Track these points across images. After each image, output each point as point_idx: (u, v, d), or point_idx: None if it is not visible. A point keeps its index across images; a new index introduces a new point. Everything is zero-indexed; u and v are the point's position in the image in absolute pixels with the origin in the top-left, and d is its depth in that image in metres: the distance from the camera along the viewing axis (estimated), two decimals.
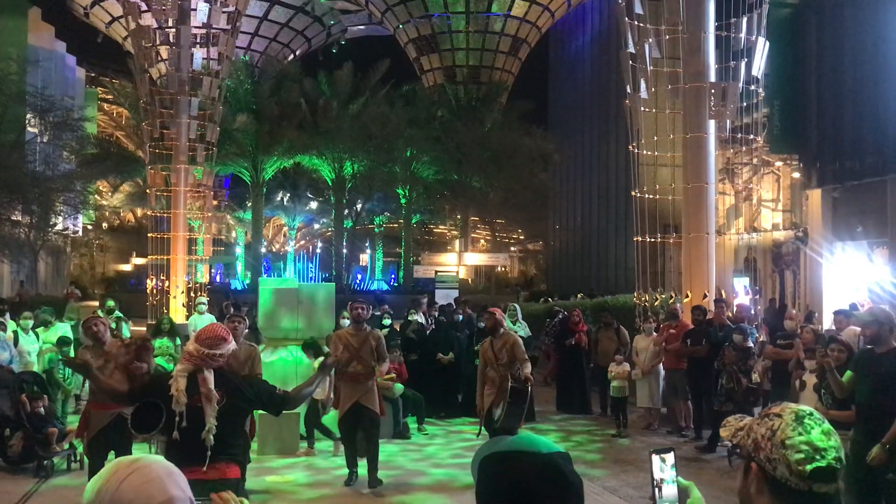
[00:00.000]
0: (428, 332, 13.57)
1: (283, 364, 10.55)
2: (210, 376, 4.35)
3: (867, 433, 5.89)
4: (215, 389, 4.32)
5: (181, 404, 4.25)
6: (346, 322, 12.56)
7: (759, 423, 1.78)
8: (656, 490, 1.92)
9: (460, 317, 14.35)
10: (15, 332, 11.42)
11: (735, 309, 12.03)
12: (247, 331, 8.79)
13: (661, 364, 11.77)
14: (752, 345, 10.10)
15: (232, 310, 14.25)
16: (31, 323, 11.81)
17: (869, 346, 6.24)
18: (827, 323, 13.82)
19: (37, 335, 11.85)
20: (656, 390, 11.89)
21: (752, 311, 14.19)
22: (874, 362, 6.01)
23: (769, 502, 1.72)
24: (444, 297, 23.90)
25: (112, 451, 7.10)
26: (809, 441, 1.68)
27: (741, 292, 17.70)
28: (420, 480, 8.83)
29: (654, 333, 11.99)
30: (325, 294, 11.54)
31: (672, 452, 1.97)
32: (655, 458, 1.93)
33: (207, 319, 13.95)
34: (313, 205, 45.77)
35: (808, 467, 1.67)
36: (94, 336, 7.18)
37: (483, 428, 8.68)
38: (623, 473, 9.14)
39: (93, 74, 46.74)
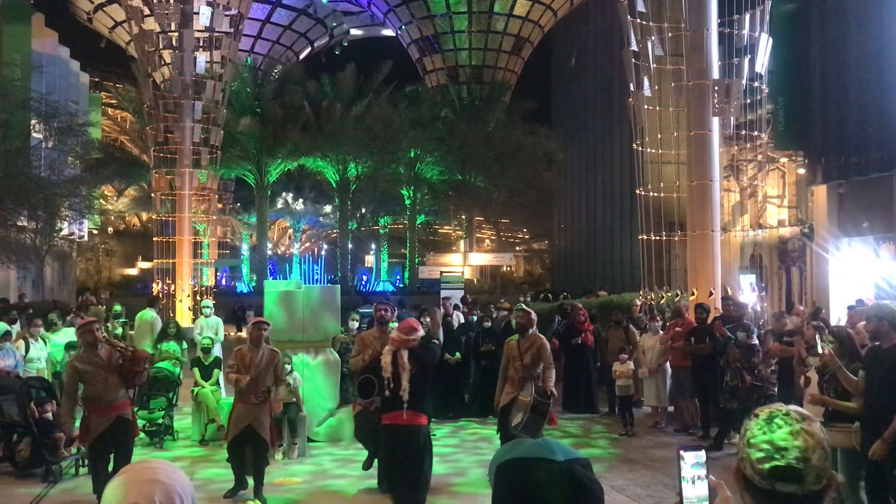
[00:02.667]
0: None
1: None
2: (405, 354, 6.30)
3: (874, 429, 5.91)
4: (408, 362, 6.27)
5: (388, 372, 6.24)
6: (354, 325, 12.60)
7: (745, 422, 1.81)
8: (684, 487, 1.92)
9: (475, 318, 14.37)
10: (25, 339, 11.48)
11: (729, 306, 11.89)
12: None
13: (667, 362, 11.75)
14: (756, 342, 10.08)
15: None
16: (41, 330, 11.88)
17: (876, 343, 6.25)
18: (834, 319, 13.77)
19: (44, 340, 11.91)
20: (663, 389, 11.86)
21: (759, 308, 14.15)
22: (879, 358, 6.05)
23: (749, 499, 1.75)
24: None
25: (113, 453, 7.35)
26: (771, 440, 1.69)
27: (747, 289, 17.65)
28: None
29: (661, 332, 11.98)
30: (331, 296, 11.54)
31: (703, 451, 1.97)
32: (685, 456, 1.94)
33: (213, 322, 13.98)
34: (318, 207, 45.81)
35: (766, 466, 1.68)
36: (91, 342, 7.29)
37: (497, 430, 8.69)
38: (630, 472, 9.12)
39: (96, 79, 46.82)
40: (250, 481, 7.94)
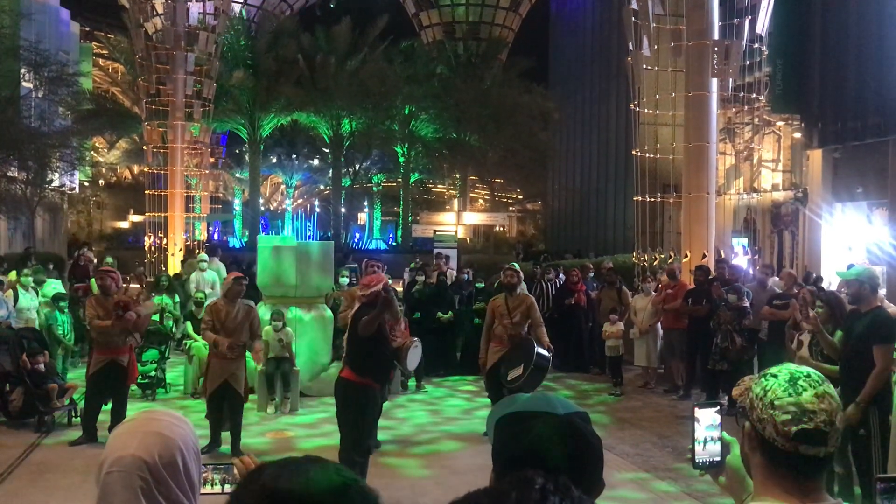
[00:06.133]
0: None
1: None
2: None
3: (850, 393, 6.01)
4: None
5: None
6: (345, 280, 12.61)
7: (756, 382, 1.79)
8: (697, 447, 1.95)
9: (466, 276, 14.42)
10: (15, 289, 11.45)
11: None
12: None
13: (659, 324, 11.82)
14: (747, 304, 10.13)
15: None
16: (31, 280, 11.85)
17: (854, 307, 6.32)
18: (825, 285, 13.83)
19: (36, 291, 11.88)
20: (654, 350, 11.95)
21: (751, 272, 14.21)
22: (856, 321, 6.15)
23: (761, 461, 1.74)
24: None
25: (110, 397, 8.19)
26: (798, 403, 1.68)
27: (740, 252, 17.71)
28: (418, 438, 8.91)
29: (653, 293, 12.02)
30: (324, 252, 11.53)
31: (719, 407, 1.99)
32: (699, 413, 1.96)
33: (209, 277, 13.97)
34: (311, 163, 45.52)
35: (794, 429, 1.67)
36: (103, 288, 8.25)
37: (486, 388, 8.77)
38: (619, 431, 9.23)
39: (87, 29, 45.95)
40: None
